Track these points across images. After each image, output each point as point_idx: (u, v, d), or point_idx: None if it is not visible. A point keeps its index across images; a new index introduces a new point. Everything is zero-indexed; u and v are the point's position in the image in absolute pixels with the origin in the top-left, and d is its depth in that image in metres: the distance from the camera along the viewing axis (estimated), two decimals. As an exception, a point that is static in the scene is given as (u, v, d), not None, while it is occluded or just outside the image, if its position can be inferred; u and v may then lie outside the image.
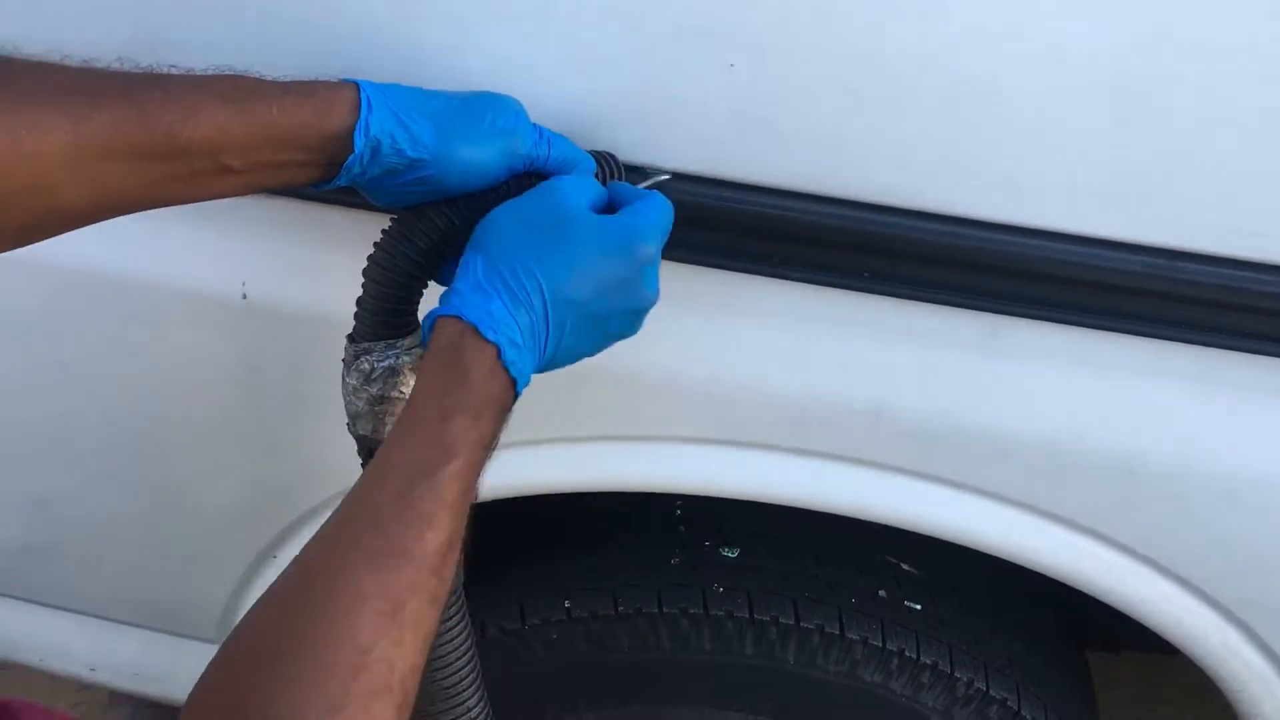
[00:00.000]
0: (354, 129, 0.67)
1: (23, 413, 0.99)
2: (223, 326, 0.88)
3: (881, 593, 1.05)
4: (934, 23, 0.71)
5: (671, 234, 0.72)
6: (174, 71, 0.67)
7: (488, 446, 0.64)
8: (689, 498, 1.00)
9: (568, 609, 1.05)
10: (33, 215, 0.63)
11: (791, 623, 1.01)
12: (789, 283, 0.79)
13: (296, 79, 0.69)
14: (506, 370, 0.65)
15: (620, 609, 1.03)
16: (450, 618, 0.78)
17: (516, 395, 0.66)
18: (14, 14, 0.78)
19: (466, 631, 0.80)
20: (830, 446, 0.85)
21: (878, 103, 0.72)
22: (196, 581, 1.10)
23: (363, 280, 0.73)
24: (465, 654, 0.80)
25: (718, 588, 1.03)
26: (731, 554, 1.07)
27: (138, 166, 0.64)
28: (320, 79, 0.69)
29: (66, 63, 0.65)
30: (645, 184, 0.76)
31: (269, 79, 0.68)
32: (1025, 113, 0.72)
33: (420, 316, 0.72)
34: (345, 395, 0.75)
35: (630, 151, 0.77)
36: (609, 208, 0.72)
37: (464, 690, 0.80)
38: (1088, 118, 0.72)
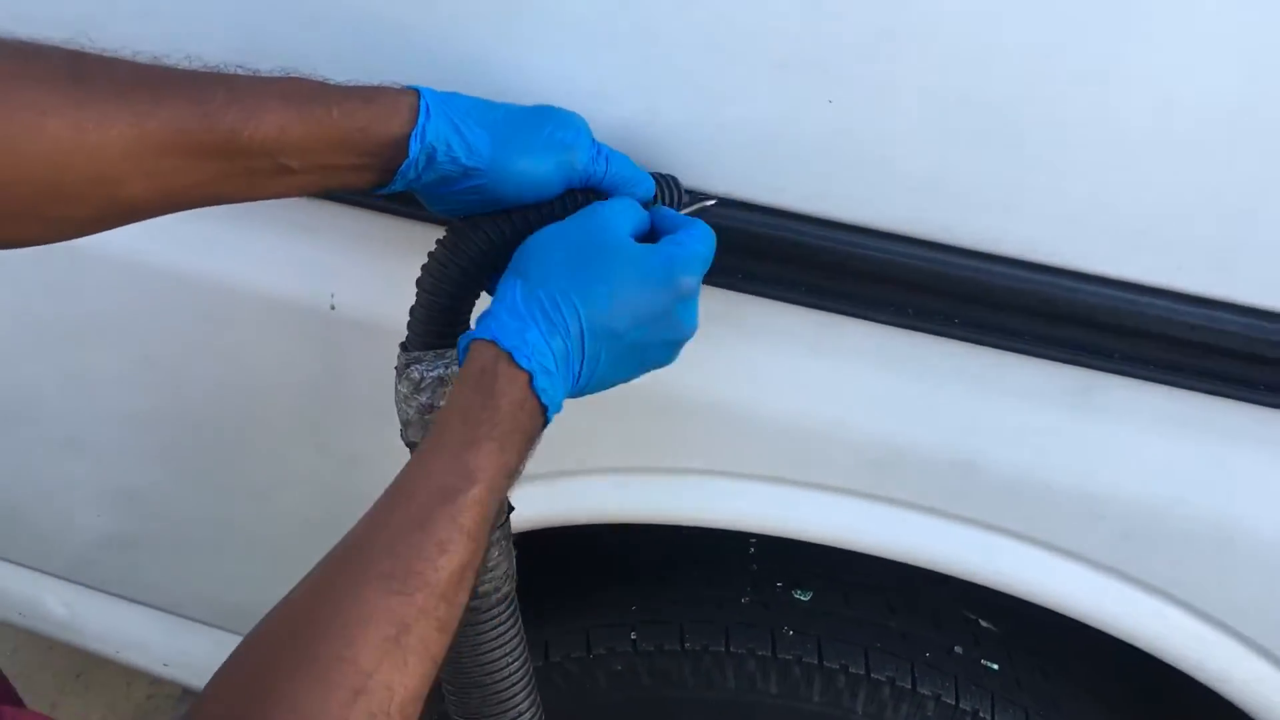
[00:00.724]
0: (410, 135, 0.68)
1: (115, 407, 1.01)
2: (310, 335, 0.90)
3: (957, 648, 1.02)
4: (1047, 64, 0.69)
5: (763, 269, 0.71)
6: (239, 71, 0.68)
7: (511, 474, 0.64)
8: (763, 536, 0.98)
9: (634, 641, 1.04)
10: (95, 206, 0.64)
11: (862, 672, 0.99)
12: (881, 325, 0.78)
13: (360, 84, 0.70)
14: (538, 398, 0.64)
15: (687, 645, 1.02)
16: (502, 623, 0.78)
17: (546, 422, 0.66)
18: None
19: (519, 639, 0.80)
20: (913, 495, 0.83)
21: (985, 147, 0.71)
22: (275, 586, 1.10)
23: (416, 290, 0.74)
24: (517, 659, 0.80)
25: (788, 630, 1.01)
26: (804, 597, 1.05)
27: (199, 163, 0.65)
28: (384, 85, 0.70)
29: (137, 59, 0.66)
30: (690, 209, 0.75)
31: (332, 83, 0.69)
32: (1140, 165, 0.70)
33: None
34: (397, 403, 0.75)
35: (728, 184, 0.76)
36: (651, 233, 0.72)
37: (516, 696, 0.80)
38: (1206, 174, 0.69)
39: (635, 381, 0.82)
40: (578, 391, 0.68)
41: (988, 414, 0.79)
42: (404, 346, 0.75)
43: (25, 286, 0.96)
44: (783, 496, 0.86)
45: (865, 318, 0.77)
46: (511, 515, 0.80)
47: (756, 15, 0.70)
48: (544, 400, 0.64)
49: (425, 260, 0.73)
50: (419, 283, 0.73)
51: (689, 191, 0.77)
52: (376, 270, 0.86)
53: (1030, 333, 0.75)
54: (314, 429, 0.96)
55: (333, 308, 0.88)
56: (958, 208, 0.73)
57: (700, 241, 0.70)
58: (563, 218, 0.72)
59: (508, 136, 0.70)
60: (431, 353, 0.73)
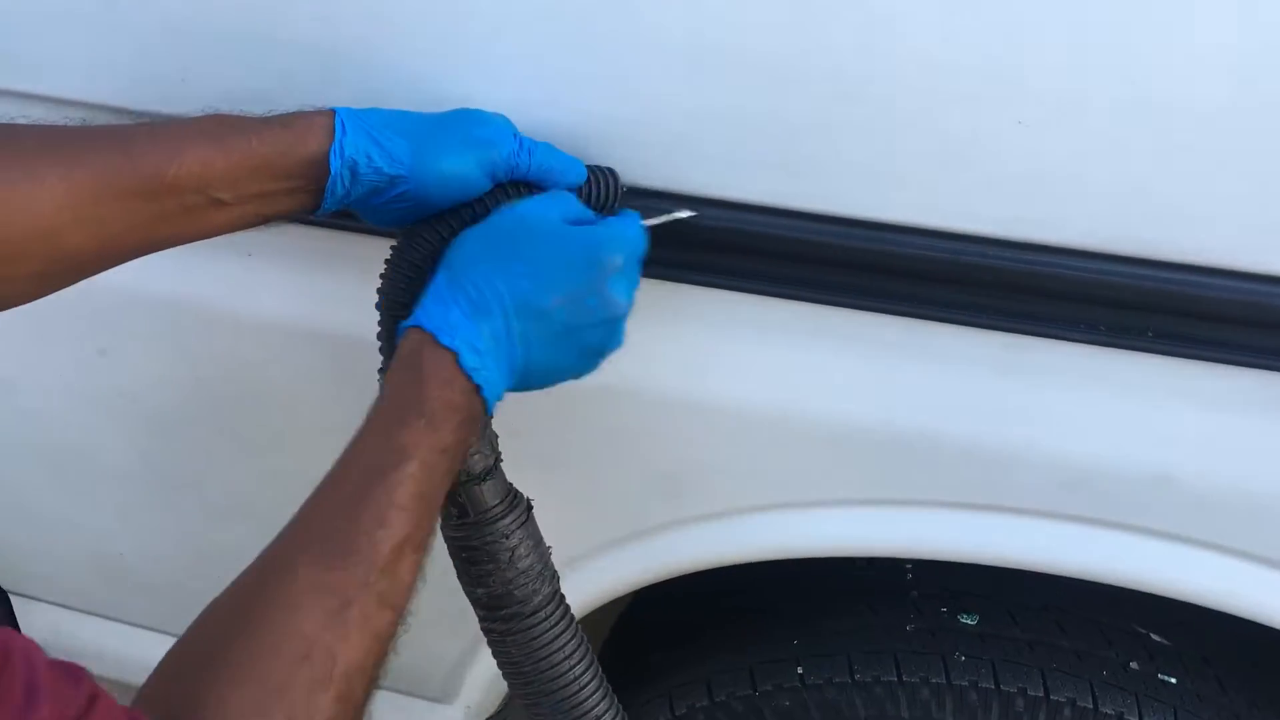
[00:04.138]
0: (329, 151, 0.70)
1: (278, 469, 1.01)
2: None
3: (1133, 664, 1.00)
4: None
5: (962, 295, 0.71)
6: (161, 118, 0.70)
7: (447, 451, 0.65)
8: (919, 560, 0.97)
9: (800, 675, 1.03)
10: (39, 261, 0.66)
11: (1040, 695, 0.97)
12: (1068, 343, 0.77)
13: (279, 113, 0.72)
14: (468, 377, 0.66)
15: (856, 676, 1.01)
16: (552, 625, 0.79)
17: (486, 402, 0.67)
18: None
19: (576, 639, 0.81)
20: (1103, 513, 0.82)
21: (1184, 159, 0.70)
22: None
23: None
24: (579, 660, 0.80)
25: (959, 656, 1.00)
26: (971, 621, 1.03)
27: (132, 206, 0.67)
28: (301, 110, 0.72)
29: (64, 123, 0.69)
30: (656, 221, 0.75)
31: (251, 115, 0.71)
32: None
33: None
34: None
35: (921, 214, 0.75)
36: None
37: (589, 700, 0.81)
38: None
39: (800, 411, 0.83)
40: (522, 378, 0.70)
41: (1183, 426, 0.78)
42: (381, 371, 0.76)
43: (193, 354, 0.97)
44: (969, 521, 0.85)
45: (1059, 337, 0.76)
46: (533, 510, 0.80)
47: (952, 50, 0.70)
48: (476, 379, 0.66)
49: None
50: (376, 305, 0.75)
51: (661, 206, 0.77)
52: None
53: (1228, 341, 0.74)
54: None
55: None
56: (1159, 221, 0.72)
57: (626, 225, 0.72)
58: (489, 213, 0.74)
59: (427, 141, 0.72)
60: None
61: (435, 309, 0.67)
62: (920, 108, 0.72)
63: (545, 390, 0.88)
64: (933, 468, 0.83)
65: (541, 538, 0.80)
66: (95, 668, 1.35)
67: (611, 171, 0.77)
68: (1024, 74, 0.70)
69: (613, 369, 0.85)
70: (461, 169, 0.72)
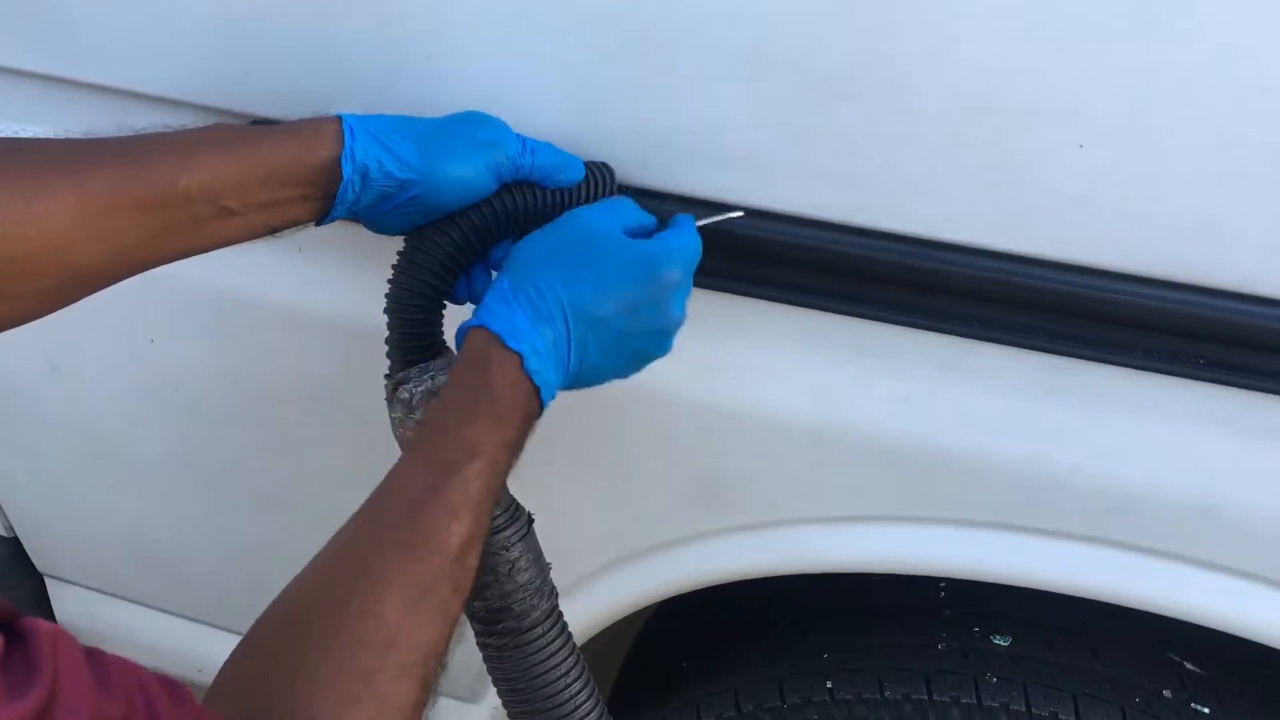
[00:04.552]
0: (340, 157, 0.71)
1: (321, 466, 1.02)
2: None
3: (1166, 693, 1.00)
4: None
5: (1013, 315, 0.71)
6: (168, 129, 0.71)
7: (511, 449, 0.68)
8: (952, 579, 0.97)
9: (830, 689, 1.02)
10: (52, 275, 0.66)
11: (1073, 719, 0.97)
12: (1118, 368, 0.77)
13: (286, 121, 0.72)
14: (530, 379, 0.68)
15: (886, 694, 1.01)
16: (549, 642, 0.79)
17: (542, 404, 0.69)
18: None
19: (573, 657, 0.81)
20: (1146, 540, 0.82)
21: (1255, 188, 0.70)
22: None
23: (386, 317, 0.76)
24: (576, 679, 0.80)
25: (991, 678, 0.99)
26: (1003, 642, 1.03)
27: (143, 218, 0.67)
28: (308, 118, 0.73)
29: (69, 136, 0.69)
30: (709, 220, 0.77)
31: (259, 125, 0.71)
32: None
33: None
34: (394, 430, 0.77)
35: (977, 235, 0.75)
36: (648, 236, 0.75)
37: (579, 713, 0.81)
38: None
39: (843, 425, 0.83)
40: (573, 380, 0.72)
41: (1234, 456, 0.78)
42: (388, 375, 0.77)
43: (242, 349, 0.98)
44: (1011, 542, 0.84)
45: (1109, 361, 0.76)
46: (534, 524, 0.80)
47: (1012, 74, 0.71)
48: (536, 381, 0.68)
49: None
50: (386, 309, 0.76)
51: (717, 205, 0.78)
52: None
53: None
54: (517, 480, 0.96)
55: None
56: (1216, 248, 0.72)
57: (685, 237, 0.74)
58: (501, 213, 0.76)
59: (434, 145, 0.73)
60: (415, 369, 0.75)
61: (501, 310, 0.69)
62: (980, 126, 0.72)
63: (586, 395, 0.89)
64: (975, 487, 0.83)
65: (541, 553, 0.81)
66: (127, 653, 1.36)
67: (606, 166, 0.79)
68: (1087, 96, 0.70)
69: (659, 376, 0.85)
70: (470, 171, 0.74)
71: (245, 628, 0.60)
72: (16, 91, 0.92)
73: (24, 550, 1.32)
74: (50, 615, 1.38)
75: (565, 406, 0.90)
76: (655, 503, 0.95)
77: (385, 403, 0.77)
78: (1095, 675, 1.00)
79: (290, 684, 0.54)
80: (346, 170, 0.71)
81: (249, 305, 0.96)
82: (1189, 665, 1.03)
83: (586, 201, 0.78)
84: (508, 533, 0.78)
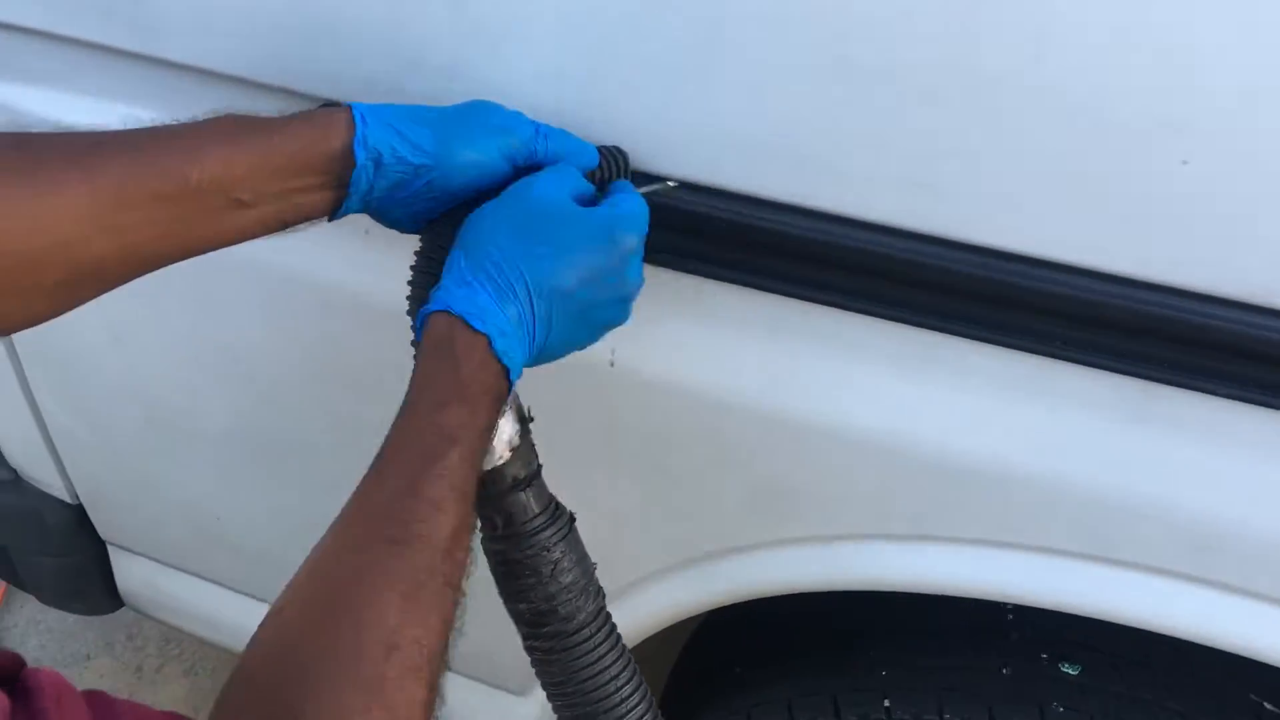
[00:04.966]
0: (353, 143, 0.70)
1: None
2: (588, 389, 0.88)
3: (1243, 733, 0.95)
4: None
5: (1101, 337, 0.67)
6: (176, 120, 0.69)
7: (485, 433, 0.67)
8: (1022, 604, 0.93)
9: (887, 709, 0.99)
10: (64, 271, 0.65)
11: (1144, 756, 0.93)
12: (1212, 397, 0.72)
13: (295, 112, 0.71)
14: (498, 359, 0.66)
15: (946, 716, 0.97)
16: (596, 644, 0.77)
17: (510, 384, 0.68)
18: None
19: (622, 660, 0.79)
20: (1238, 579, 0.77)
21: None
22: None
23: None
24: (627, 682, 0.79)
25: (1058, 707, 0.95)
26: (1073, 670, 0.99)
27: (153, 211, 0.66)
28: (316, 108, 0.72)
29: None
30: (646, 189, 0.76)
31: (267, 114, 0.70)
32: None
33: None
34: None
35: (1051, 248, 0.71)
36: (594, 200, 0.74)
37: (627, 699, 0.79)
38: None
39: (919, 442, 0.80)
40: (538, 354, 0.71)
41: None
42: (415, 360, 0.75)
43: (307, 330, 0.97)
44: (1088, 573, 0.81)
45: (1202, 390, 0.72)
46: (575, 523, 0.78)
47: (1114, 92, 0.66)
48: (504, 361, 0.67)
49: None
50: (408, 296, 0.76)
51: (646, 174, 0.77)
52: (657, 327, 0.84)
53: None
54: (582, 483, 0.94)
55: (612, 365, 0.86)
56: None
57: (636, 203, 0.73)
58: None
59: (447, 131, 0.72)
60: None
61: (461, 292, 0.67)
62: (1076, 137, 0.68)
63: (650, 403, 0.87)
64: (1053, 513, 0.79)
65: (585, 553, 0.78)
66: (185, 625, 1.37)
67: (620, 151, 0.78)
68: (1193, 110, 0.65)
69: (734, 386, 0.83)
70: (485, 155, 0.73)
71: None
72: (85, 63, 0.92)
73: (88, 518, 1.33)
74: (112, 583, 1.40)
75: (629, 412, 0.89)
76: (721, 511, 0.92)
77: None
78: (1169, 711, 0.96)
79: (299, 701, 0.53)
80: (360, 156, 0.70)
81: (315, 287, 0.95)
82: (1269, 706, 0.98)
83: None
84: (548, 533, 0.76)
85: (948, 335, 0.76)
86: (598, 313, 0.73)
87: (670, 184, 0.77)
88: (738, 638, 1.15)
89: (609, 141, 0.78)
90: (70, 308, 0.68)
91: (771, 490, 0.89)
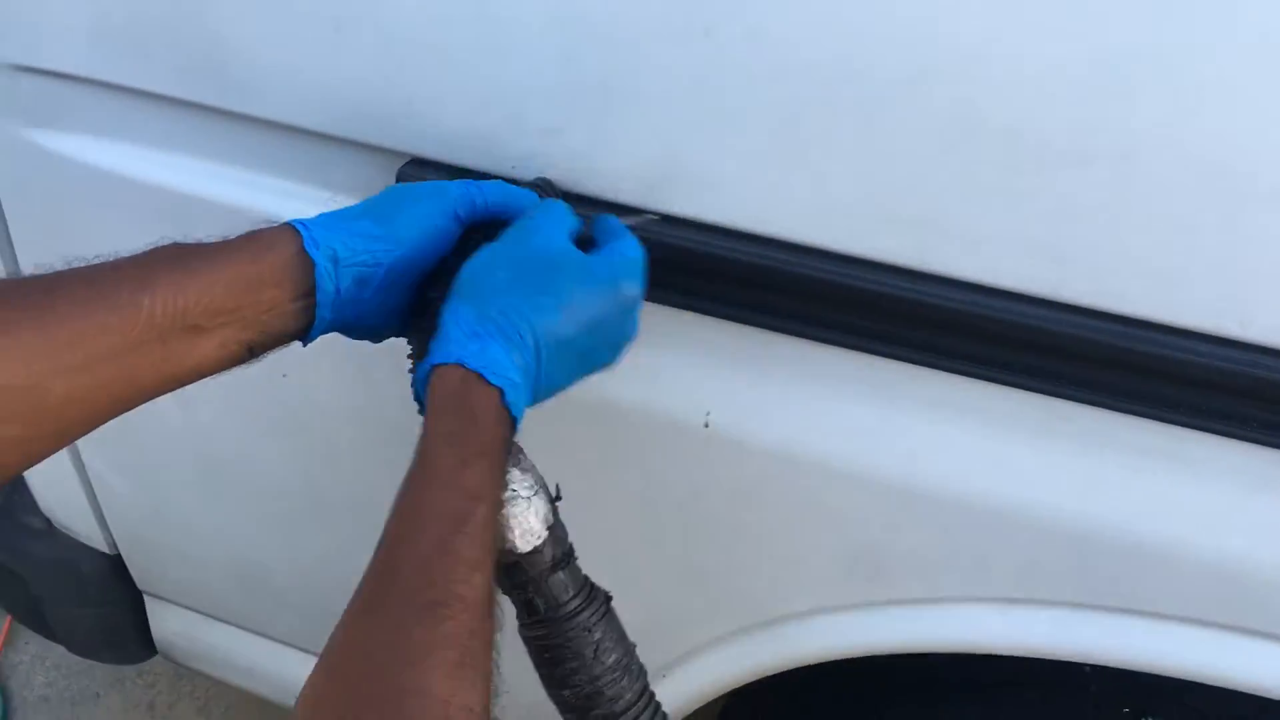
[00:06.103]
0: (304, 247, 0.68)
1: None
2: (679, 451, 0.86)
3: (1331, 792, 0.94)
4: None
5: (1233, 409, 0.66)
6: (116, 255, 0.67)
7: (501, 484, 0.67)
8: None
9: (970, 765, 0.98)
10: (22, 422, 0.61)
11: (1233, 815, 0.92)
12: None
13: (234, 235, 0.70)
14: (509, 410, 0.66)
15: (1029, 772, 0.96)
16: (641, 711, 0.75)
17: (515, 432, 0.67)
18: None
19: (660, 715, 0.77)
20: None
21: None
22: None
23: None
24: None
25: (1143, 763, 0.94)
26: (1157, 727, 0.98)
27: (109, 344, 0.63)
28: (253, 229, 0.70)
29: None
30: (630, 221, 0.76)
31: (212, 240, 0.69)
32: None
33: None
34: None
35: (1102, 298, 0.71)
36: (584, 238, 0.73)
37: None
38: None
39: (1024, 507, 0.80)
40: (533, 399, 0.70)
41: None
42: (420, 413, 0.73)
43: (376, 391, 0.95)
44: (1207, 641, 0.80)
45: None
46: (611, 602, 0.76)
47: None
48: (514, 413, 0.66)
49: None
50: (409, 371, 0.74)
51: (627, 209, 0.77)
52: (752, 389, 0.83)
53: None
54: (659, 543, 0.92)
55: (706, 425, 0.84)
56: None
57: (632, 246, 0.73)
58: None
59: (383, 213, 0.72)
60: None
61: (473, 345, 0.66)
62: (1216, 203, 0.67)
63: (737, 462, 0.85)
64: (1168, 578, 0.78)
65: (625, 633, 0.76)
66: (221, 674, 1.34)
67: (547, 181, 0.79)
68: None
69: (825, 448, 0.82)
70: (430, 220, 0.73)
71: None
72: (168, 118, 0.89)
73: (125, 567, 1.30)
74: (146, 633, 1.36)
75: (715, 471, 0.87)
76: (806, 572, 0.91)
77: None
78: (1256, 769, 0.95)
79: None
80: (315, 255, 0.69)
81: (387, 350, 0.92)
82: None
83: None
84: (587, 614, 0.74)
85: (1067, 402, 0.75)
86: (594, 357, 0.72)
87: (652, 216, 0.77)
88: (810, 691, 1.13)
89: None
90: (43, 456, 0.65)
91: (860, 553, 0.88)
